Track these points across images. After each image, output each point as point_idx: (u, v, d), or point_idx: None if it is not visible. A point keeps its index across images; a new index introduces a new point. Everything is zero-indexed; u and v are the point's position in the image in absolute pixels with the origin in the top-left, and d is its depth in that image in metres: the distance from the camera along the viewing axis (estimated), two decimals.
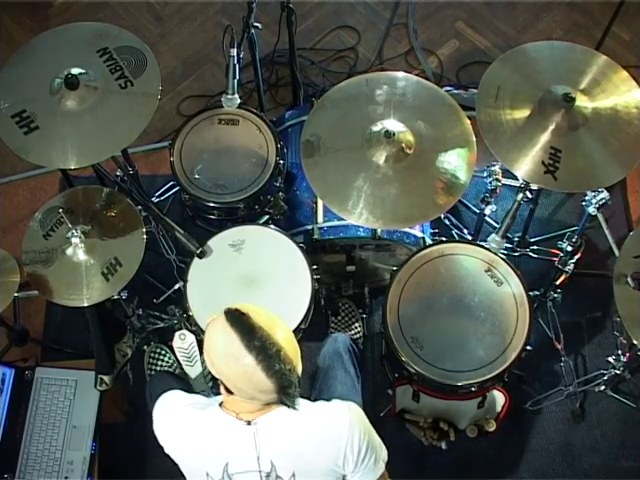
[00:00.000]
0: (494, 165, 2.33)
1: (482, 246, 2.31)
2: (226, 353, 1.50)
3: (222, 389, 1.56)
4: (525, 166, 2.07)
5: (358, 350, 2.43)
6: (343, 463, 1.61)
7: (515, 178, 2.39)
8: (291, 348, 1.51)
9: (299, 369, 1.53)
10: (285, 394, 1.49)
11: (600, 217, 2.82)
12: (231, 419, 1.58)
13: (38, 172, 3.12)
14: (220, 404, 1.63)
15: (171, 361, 2.63)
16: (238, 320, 1.49)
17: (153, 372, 2.63)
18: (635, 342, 2.05)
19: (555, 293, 2.63)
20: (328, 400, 2.07)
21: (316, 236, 2.44)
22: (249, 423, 1.57)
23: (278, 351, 1.47)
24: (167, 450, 1.66)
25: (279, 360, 1.46)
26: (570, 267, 2.47)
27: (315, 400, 2.06)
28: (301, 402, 1.60)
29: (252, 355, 1.46)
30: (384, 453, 1.72)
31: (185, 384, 2.29)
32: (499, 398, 2.33)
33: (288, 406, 1.52)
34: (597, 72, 2.16)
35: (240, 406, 1.58)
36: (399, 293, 2.27)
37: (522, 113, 2.13)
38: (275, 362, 1.46)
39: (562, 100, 2.08)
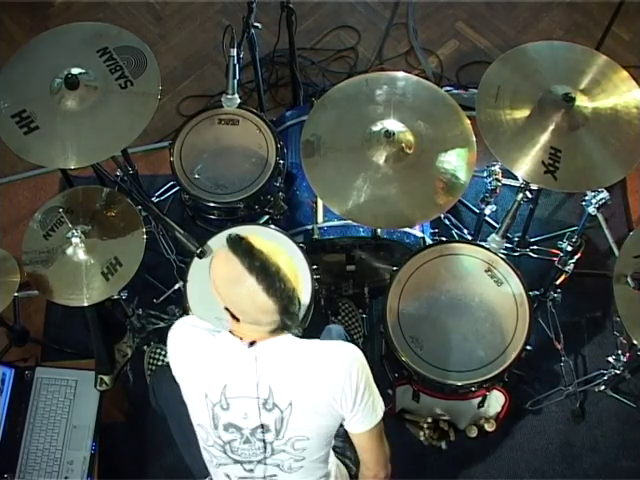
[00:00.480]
0: (494, 165, 2.33)
1: (482, 246, 2.31)
2: (230, 278, 1.54)
3: (229, 317, 1.60)
4: (525, 166, 2.07)
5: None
6: (341, 399, 1.62)
7: (515, 178, 2.39)
8: (291, 271, 1.55)
9: (299, 292, 1.57)
10: (287, 313, 1.53)
11: (600, 217, 2.82)
12: (235, 341, 1.62)
13: (38, 172, 3.12)
14: (229, 331, 1.66)
15: None
16: (238, 244, 1.54)
17: (153, 372, 2.63)
18: (635, 342, 2.05)
19: (555, 293, 2.63)
20: None
21: (316, 236, 2.44)
22: (251, 344, 1.60)
23: (277, 271, 1.51)
24: (173, 370, 1.71)
25: (279, 279, 1.51)
26: (570, 267, 2.47)
27: None
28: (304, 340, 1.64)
29: (253, 276, 1.50)
30: (381, 403, 1.73)
31: None
32: (499, 398, 2.33)
33: (289, 328, 1.56)
34: (597, 72, 2.17)
35: (247, 332, 1.62)
36: (399, 293, 2.27)
37: (522, 113, 2.13)
38: (276, 281, 1.50)
39: (562, 100, 2.08)
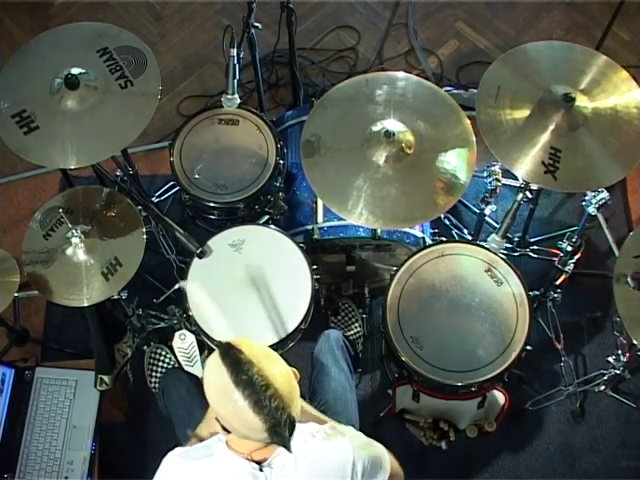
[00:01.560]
0: (494, 165, 2.33)
1: (482, 246, 2.31)
2: (217, 387, 1.47)
3: (219, 428, 1.53)
4: (525, 166, 2.07)
5: (356, 351, 2.43)
6: None
7: (515, 178, 2.39)
8: (285, 386, 1.46)
9: (293, 409, 1.46)
10: (275, 433, 1.43)
11: (600, 217, 2.82)
12: (241, 462, 1.54)
13: (38, 172, 3.12)
14: (226, 442, 1.59)
15: (172, 361, 2.63)
16: (228, 353, 1.45)
17: (153, 372, 2.63)
18: (635, 342, 2.05)
19: (555, 293, 2.63)
20: (322, 400, 2.08)
21: (316, 236, 2.44)
22: (261, 469, 1.54)
23: (267, 386, 1.42)
24: None
25: (268, 397, 1.41)
26: (570, 267, 2.47)
27: (310, 399, 2.07)
28: (304, 436, 1.59)
29: (239, 390, 1.42)
30: (385, 457, 1.71)
31: (195, 379, 2.28)
32: (499, 398, 2.33)
33: (280, 444, 1.47)
34: (597, 72, 2.17)
35: (244, 445, 1.54)
36: (399, 293, 2.27)
37: (522, 113, 2.13)
38: (263, 399, 1.41)
39: (562, 100, 2.08)
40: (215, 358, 1.47)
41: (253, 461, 1.54)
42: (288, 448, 1.46)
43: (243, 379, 1.42)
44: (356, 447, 1.63)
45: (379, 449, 1.72)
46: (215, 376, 1.46)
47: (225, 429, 1.52)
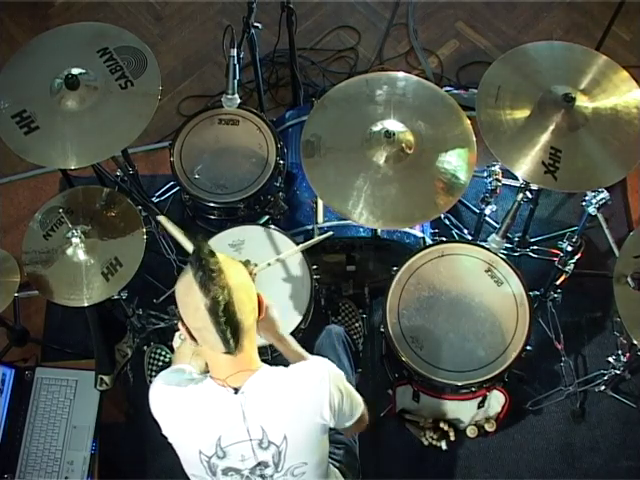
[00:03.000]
0: (494, 165, 2.33)
1: (482, 246, 2.31)
2: (181, 281, 1.51)
3: (189, 339, 1.56)
4: (525, 166, 2.07)
5: (356, 349, 2.43)
6: (329, 415, 1.63)
7: (515, 178, 2.39)
8: (239, 285, 1.50)
9: (241, 312, 1.49)
10: (213, 313, 1.46)
11: (600, 217, 2.82)
12: (219, 390, 1.59)
13: (38, 172, 3.13)
14: (211, 376, 1.63)
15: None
16: (199, 247, 1.50)
17: (153, 372, 2.63)
18: (635, 342, 2.05)
19: (555, 293, 2.63)
20: None
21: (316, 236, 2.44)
22: (236, 392, 1.58)
23: (218, 272, 1.46)
24: (163, 429, 1.67)
25: (215, 280, 1.45)
26: (570, 267, 2.47)
27: None
28: (279, 367, 1.62)
29: (192, 270, 1.46)
30: (359, 399, 1.75)
31: None
32: (499, 398, 2.33)
33: (225, 343, 1.50)
34: (597, 72, 2.17)
35: (218, 366, 1.58)
36: (399, 293, 2.27)
37: (522, 113, 2.13)
38: (211, 279, 1.45)
39: (562, 100, 2.08)
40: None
41: (229, 387, 1.58)
42: (228, 342, 1.49)
43: (198, 260, 1.46)
44: (330, 371, 1.65)
45: (357, 397, 1.74)
46: (185, 271, 1.51)
47: (191, 336, 1.55)
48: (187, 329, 1.55)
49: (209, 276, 1.45)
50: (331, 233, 2.06)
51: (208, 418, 1.61)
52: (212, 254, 1.48)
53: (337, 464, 1.94)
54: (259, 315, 1.60)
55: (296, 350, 1.82)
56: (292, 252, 2.19)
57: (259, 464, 1.64)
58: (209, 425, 1.61)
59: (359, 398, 1.75)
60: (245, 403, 1.58)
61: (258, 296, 1.60)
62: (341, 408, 1.65)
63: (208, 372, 1.63)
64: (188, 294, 1.49)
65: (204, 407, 1.61)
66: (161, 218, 2.06)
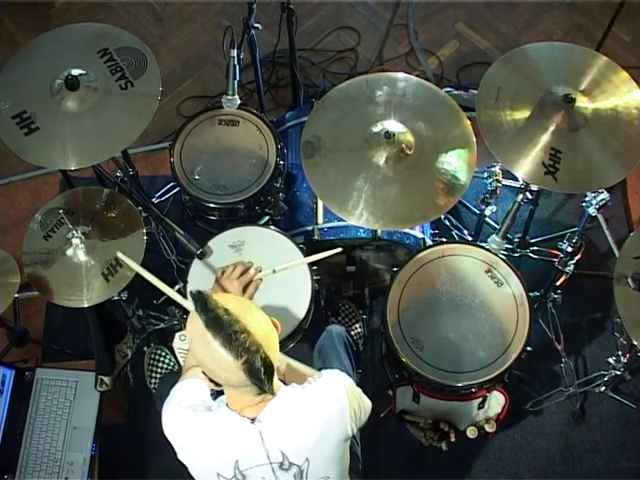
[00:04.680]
0: (494, 166, 2.33)
1: (482, 247, 2.31)
2: (193, 335, 1.51)
3: (207, 381, 1.58)
4: (525, 167, 2.07)
5: (357, 349, 2.43)
6: (348, 430, 1.64)
7: (515, 179, 2.39)
8: (257, 325, 1.49)
9: (269, 350, 1.49)
10: (249, 372, 1.46)
11: (600, 218, 2.81)
12: (236, 417, 1.58)
13: (38, 173, 3.13)
14: (227, 404, 1.63)
15: (172, 362, 2.63)
16: (197, 300, 1.50)
17: (153, 373, 2.63)
18: (635, 343, 2.05)
19: (555, 294, 2.63)
20: None
21: (316, 237, 2.44)
22: (253, 421, 1.57)
23: (234, 322, 1.45)
24: (179, 455, 1.67)
25: (235, 332, 1.45)
26: (570, 268, 2.47)
27: None
28: (295, 388, 1.62)
29: (209, 330, 1.46)
30: (370, 404, 1.77)
31: None
32: (499, 399, 2.33)
33: (262, 390, 1.51)
34: (597, 73, 2.17)
35: (239, 401, 1.58)
36: (399, 294, 2.27)
37: (522, 114, 2.13)
38: (231, 334, 1.44)
39: (562, 101, 2.08)
40: (192, 309, 1.52)
41: (246, 417, 1.58)
42: (264, 389, 1.50)
43: (211, 317, 1.46)
44: (344, 386, 1.66)
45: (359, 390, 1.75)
46: (192, 325, 1.51)
47: (212, 381, 1.55)
48: (209, 378, 1.55)
49: (235, 339, 1.44)
50: (339, 250, 2.07)
51: (224, 444, 1.60)
52: (226, 312, 1.47)
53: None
54: None
55: (302, 372, 1.83)
56: (299, 262, 2.18)
57: None
58: (225, 450, 1.60)
59: (367, 399, 1.75)
60: (263, 430, 1.57)
61: (273, 323, 1.59)
62: (359, 417, 1.67)
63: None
64: (213, 356, 1.47)
65: (220, 434, 1.60)
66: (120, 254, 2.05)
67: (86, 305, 2.19)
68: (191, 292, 1.53)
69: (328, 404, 1.62)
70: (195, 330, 1.49)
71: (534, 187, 2.30)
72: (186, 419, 1.63)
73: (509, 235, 2.68)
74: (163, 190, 2.99)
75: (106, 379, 2.42)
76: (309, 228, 2.49)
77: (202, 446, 1.61)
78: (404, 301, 2.26)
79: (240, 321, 1.47)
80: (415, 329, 2.23)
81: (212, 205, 2.46)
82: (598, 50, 2.67)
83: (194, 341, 1.52)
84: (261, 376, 1.48)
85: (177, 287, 2.32)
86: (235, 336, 1.45)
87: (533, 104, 2.13)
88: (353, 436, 1.77)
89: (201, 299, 1.49)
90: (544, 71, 2.18)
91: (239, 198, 2.45)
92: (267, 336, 1.52)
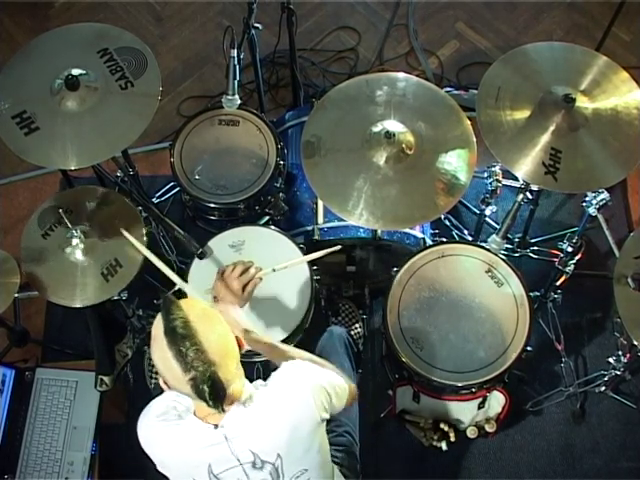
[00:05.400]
0: (494, 166, 2.33)
1: (482, 247, 2.31)
2: (155, 335, 1.50)
3: (161, 381, 1.56)
4: (525, 167, 2.07)
5: (358, 349, 2.43)
6: (320, 416, 1.63)
7: (515, 179, 2.39)
8: (213, 344, 1.46)
9: (220, 369, 1.46)
10: (195, 387, 1.45)
11: (600, 218, 2.80)
12: (200, 426, 1.58)
13: (38, 173, 3.13)
14: (194, 411, 1.62)
15: None
16: (164, 303, 1.49)
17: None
18: (635, 343, 2.05)
19: (555, 294, 2.63)
20: None
21: (316, 237, 2.44)
22: (216, 427, 1.57)
23: (189, 337, 1.43)
24: (158, 467, 1.68)
25: (187, 347, 1.43)
26: (570, 268, 2.47)
27: None
28: (257, 389, 1.61)
29: (166, 338, 1.44)
30: (346, 386, 1.74)
31: None
32: (499, 399, 2.33)
33: (208, 404, 1.48)
34: (597, 73, 2.17)
35: (200, 409, 1.58)
36: (399, 294, 2.27)
37: (522, 114, 2.13)
38: (184, 348, 1.43)
39: (562, 101, 2.08)
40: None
41: (210, 423, 1.58)
42: (210, 405, 1.47)
43: (170, 327, 1.45)
44: (305, 374, 1.65)
45: (334, 375, 1.73)
46: (157, 325, 1.49)
47: (165, 382, 1.54)
48: (165, 383, 1.54)
49: (185, 355, 1.43)
50: (339, 247, 2.06)
51: (194, 451, 1.60)
52: (185, 324, 1.45)
53: (338, 466, 1.94)
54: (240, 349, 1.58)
55: (280, 349, 1.83)
56: (299, 261, 2.18)
57: None
58: (196, 457, 1.61)
59: (342, 382, 1.73)
60: (227, 434, 1.57)
61: (238, 341, 1.57)
62: (329, 402, 1.65)
63: None
64: (165, 363, 1.46)
65: (189, 442, 1.60)
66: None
67: (85, 305, 2.18)
68: (163, 294, 1.53)
69: (289, 398, 1.61)
70: (157, 331, 1.48)
71: (534, 187, 2.30)
72: (157, 430, 1.64)
73: (509, 235, 2.68)
74: (163, 190, 2.99)
75: (106, 379, 2.42)
76: (309, 228, 2.49)
77: (175, 455, 1.62)
78: (404, 301, 2.26)
79: (195, 337, 1.44)
80: (415, 329, 2.23)
81: (212, 205, 2.46)
82: (598, 50, 2.67)
83: (154, 342, 1.50)
84: (205, 396, 1.45)
85: (177, 287, 2.31)
86: (186, 352, 1.43)
87: (533, 104, 2.13)
88: (348, 432, 1.77)
89: (166, 304, 1.48)
90: (544, 71, 2.18)
91: (239, 198, 2.45)
92: (224, 355, 1.49)
